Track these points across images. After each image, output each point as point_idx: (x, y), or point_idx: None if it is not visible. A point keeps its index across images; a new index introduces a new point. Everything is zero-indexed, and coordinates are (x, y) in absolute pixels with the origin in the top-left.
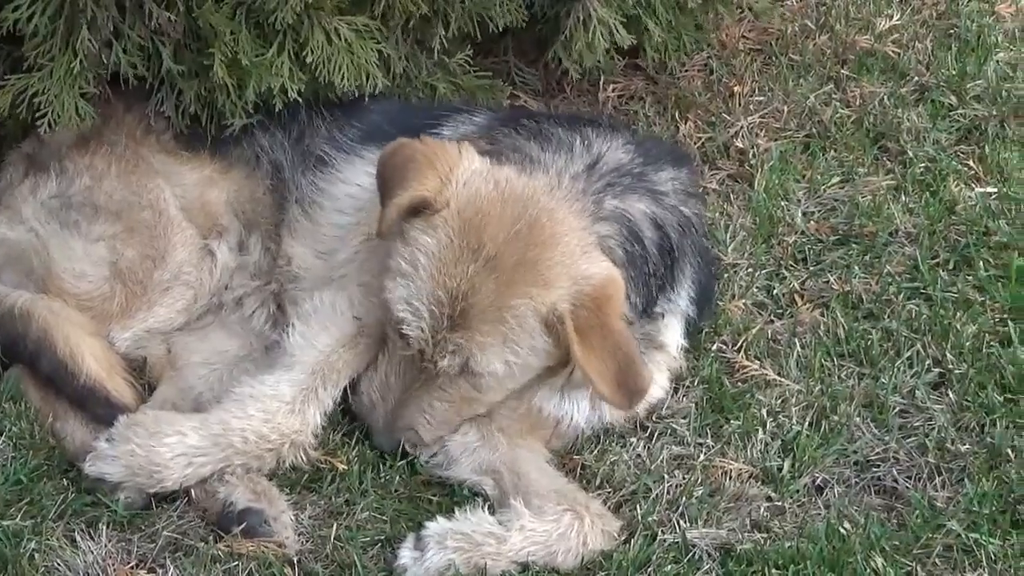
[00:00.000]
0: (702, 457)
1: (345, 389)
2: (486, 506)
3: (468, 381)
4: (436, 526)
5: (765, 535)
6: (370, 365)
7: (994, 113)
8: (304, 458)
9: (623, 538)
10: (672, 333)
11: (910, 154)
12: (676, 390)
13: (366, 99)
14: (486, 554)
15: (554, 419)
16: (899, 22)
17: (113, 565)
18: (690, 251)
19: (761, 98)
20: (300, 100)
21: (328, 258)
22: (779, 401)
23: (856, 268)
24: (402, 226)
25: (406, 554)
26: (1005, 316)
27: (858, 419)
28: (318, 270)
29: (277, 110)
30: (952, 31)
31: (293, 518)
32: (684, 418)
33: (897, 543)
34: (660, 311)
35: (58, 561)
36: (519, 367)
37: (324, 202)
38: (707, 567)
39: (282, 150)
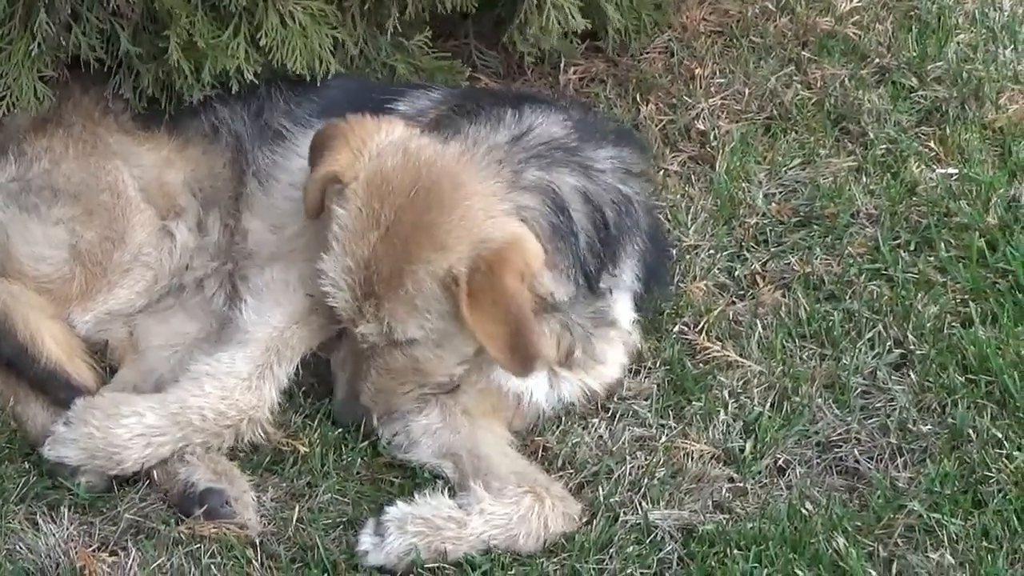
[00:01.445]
0: (664, 438)
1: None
2: (446, 489)
3: (398, 350)
4: (396, 511)
5: (727, 516)
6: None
7: (955, 95)
8: (262, 434)
9: (585, 520)
10: (621, 307)
11: (871, 136)
12: (637, 372)
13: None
14: (447, 538)
15: (515, 396)
16: (860, 4)
17: (75, 548)
18: (632, 229)
19: (722, 80)
20: (256, 81)
21: (280, 232)
22: (741, 382)
23: (817, 249)
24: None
25: (366, 540)
26: (966, 297)
27: (820, 400)
28: (271, 245)
29: (234, 92)
30: (913, 13)
31: (255, 499)
32: (646, 400)
33: (859, 523)
34: (606, 287)
35: (20, 544)
36: (440, 333)
37: (280, 175)
38: (669, 548)
39: (242, 123)
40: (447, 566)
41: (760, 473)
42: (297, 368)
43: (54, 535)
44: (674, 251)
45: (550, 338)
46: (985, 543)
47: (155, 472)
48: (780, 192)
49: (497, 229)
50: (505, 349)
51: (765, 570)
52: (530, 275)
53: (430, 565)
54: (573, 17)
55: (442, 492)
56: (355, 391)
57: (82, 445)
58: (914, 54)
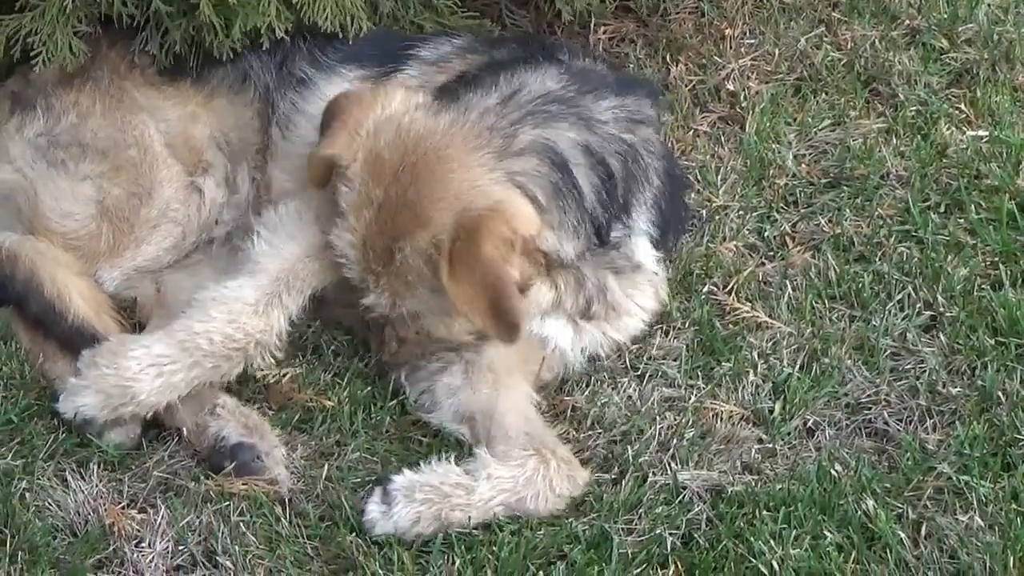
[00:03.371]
0: (693, 399)
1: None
2: (463, 450)
3: (408, 320)
4: (402, 479)
5: (756, 477)
6: None
7: (985, 57)
8: (271, 360)
9: (613, 479)
10: (642, 250)
11: (901, 97)
12: (666, 332)
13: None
14: (455, 505)
15: (540, 343)
16: None
17: (104, 505)
18: (641, 177)
19: (752, 41)
20: (287, 38)
21: (299, 175)
22: (770, 343)
23: (847, 211)
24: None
25: (374, 508)
26: (996, 259)
27: (849, 362)
28: (290, 190)
29: (265, 48)
30: None
31: (285, 454)
32: (675, 360)
33: (888, 485)
34: (620, 236)
35: (49, 501)
36: (440, 304)
37: (301, 120)
38: (698, 509)
39: (269, 73)
40: (474, 529)
41: (789, 434)
42: (324, 326)
43: (83, 492)
44: (691, 193)
45: (565, 293)
46: (1015, 505)
47: (185, 427)
48: (810, 153)
49: (480, 197)
50: (486, 316)
51: (794, 531)
52: (519, 239)
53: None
54: None
55: (449, 460)
56: (381, 340)
57: (95, 388)
58: (945, 15)
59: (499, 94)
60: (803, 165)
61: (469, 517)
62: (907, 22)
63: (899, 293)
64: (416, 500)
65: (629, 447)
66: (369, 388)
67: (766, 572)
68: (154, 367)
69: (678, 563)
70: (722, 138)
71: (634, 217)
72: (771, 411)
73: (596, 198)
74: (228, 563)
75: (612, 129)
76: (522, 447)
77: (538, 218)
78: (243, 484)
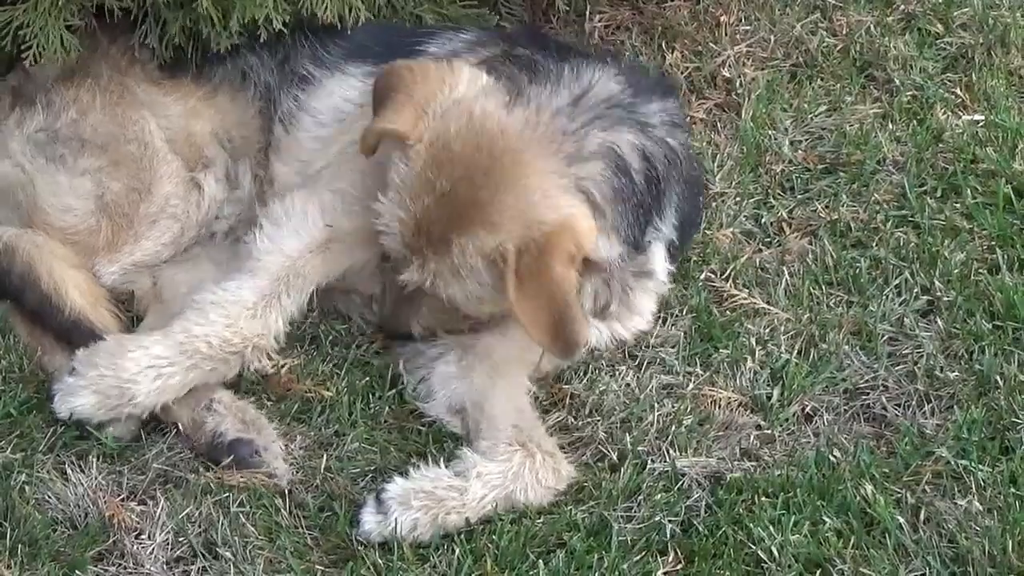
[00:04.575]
0: (691, 386)
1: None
2: (459, 443)
3: (439, 299)
4: (395, 487)
5: (755, 463)
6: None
7: (980, 41)
8: (267, 362)
9: (611, 467)
10: (659, 259)
11: (897, 82)
12: (664, 320)
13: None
14: (451, 508)
15: None
16: None
17: (103, 497)
18: (675, 180)
19: (747, 27)
20: (285, 30)
21: (304, 170)
22: (768, 330)
23: (844, 196)
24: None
25: (369, 518)
26: (993, 243)
27: (847, 347)
28: (295, 184)
29: (263, 40)
30: None
31: (283, 448)
32: (673, 347)
33: (887, 470)
34: (648, 240)
35: (48, 493)
36: (479, 298)
37: (305, 117)
38: (697, 495)
39: (269, 71)
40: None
41: (787, 420)
42: (322, 316)
43: (82, 484)
44: (705, 199)
45: (589, 294)
46: (1013, 489)
47: (182, 423)
48: (806, 139)
49: (551, 210)
50: (548, 334)
51: (793, 517)
52: (582, 251)
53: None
54: None
55: (438, 464)
56: (397, 314)
57: (93, 388)
58: (940, 0)
59: (569, 94)
60: (799, 151)
61: (466, 519)
62: (902, 7)
63: (896, 278)
64: (412, 507)
65: (628, 434)
66: (367, 378)
67: (765, 558)
68: (153, 368)
69: (677, 550)
70: (718, 125)
71: (664, 220)
72: (769, 397)
73: (643, 202)
74: (228, 554)
75: (660, 133)
76: (507, 441)
77: (596, 229)
78: (242, 477)
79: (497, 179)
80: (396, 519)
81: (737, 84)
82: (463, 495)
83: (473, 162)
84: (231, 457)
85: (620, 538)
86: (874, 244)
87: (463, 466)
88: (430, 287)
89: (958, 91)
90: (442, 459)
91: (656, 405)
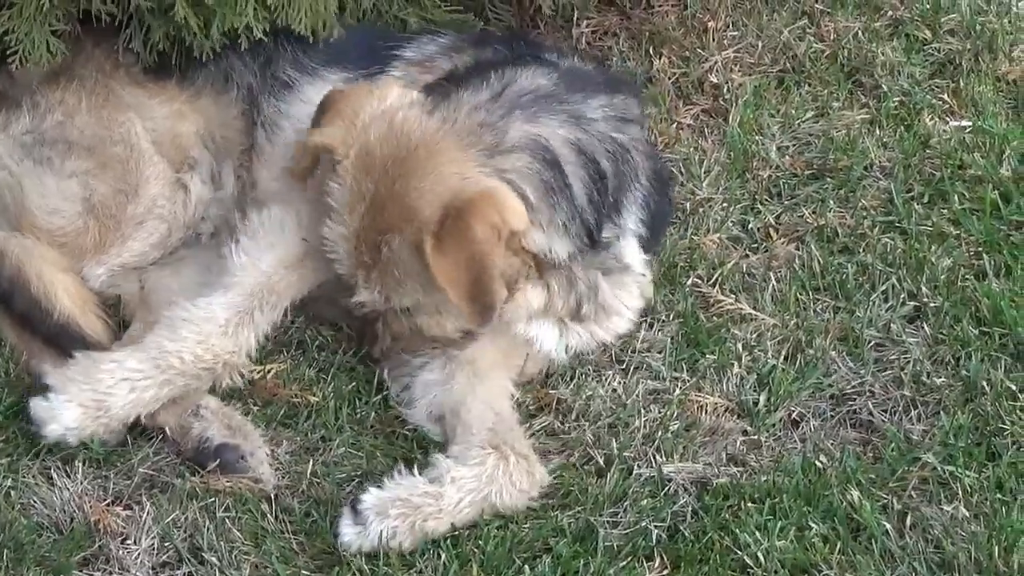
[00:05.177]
0: (678, 391)
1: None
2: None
3: (400, 316)
4: (371, 497)
5: (741, 469)
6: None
7: (968, 47)
8: (239, 379)
9: (597, 472)
10: (630, 251)
11: (884, 88)
12: (651, 325)
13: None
14: (428, 514)
15: (525, 342)
16: None
17: (89, 502)
18: (631, 176)
19: (735, 33)
20: (265, 39)
21: (284, 177)
22: (754, 335)
23: (831, 202)
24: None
25: (348, 530)
26: (979, 249)
27: (833, 353)
28: (275, 193)
29: (244, 48)
30: None
31: (269, 453)
32: (659, 352)
33: (873, 476)
34: (610, 236)
35: (34, 498)
36: (431, 300)
37: (285, 123)
38: (683, 501)
39: (252, 74)
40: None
41: (774, 426)
42: (308, 321)
43: (68, 489)
44: (675, 188)
45: (555, 292)
46: (999, 495)
47: (168, 428)
48: (793, 145)
49: (471, 185)
50: (465, 296)
51: (779, 523)
52: (507, 231)
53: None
54: None
55: (411, 472)
56: (367, 344)
57: (76, 402)
58: (927, 6)
59: (489, 91)
60: (786, 157)
61: (449, 524)
62: (890, 13)
63: (883, 284)
64: (390, 516)
65: (614, 439)
66: (354, 383)
67: (751, 564)
68: (127, 381)
69: (663, 555)
70: (705, 130)
71: (624, 217)
72: (756, 403)
73: (587, 198)
74: (214, 559)
75: (603, 128)
76: (480, 445)
77: (527, 215)
78: (227, 481)
79: (411, 170)
80: (374, 528)
81: (724, 90)
82: (439, 500)
83: (391, 161)
84: (217, 462)
85: (606, 543)
86: (861, 250)
87: (437, 472)
88: (383, 302)
89: (945, 97)
90: (427, 464)
91: (642, 410)
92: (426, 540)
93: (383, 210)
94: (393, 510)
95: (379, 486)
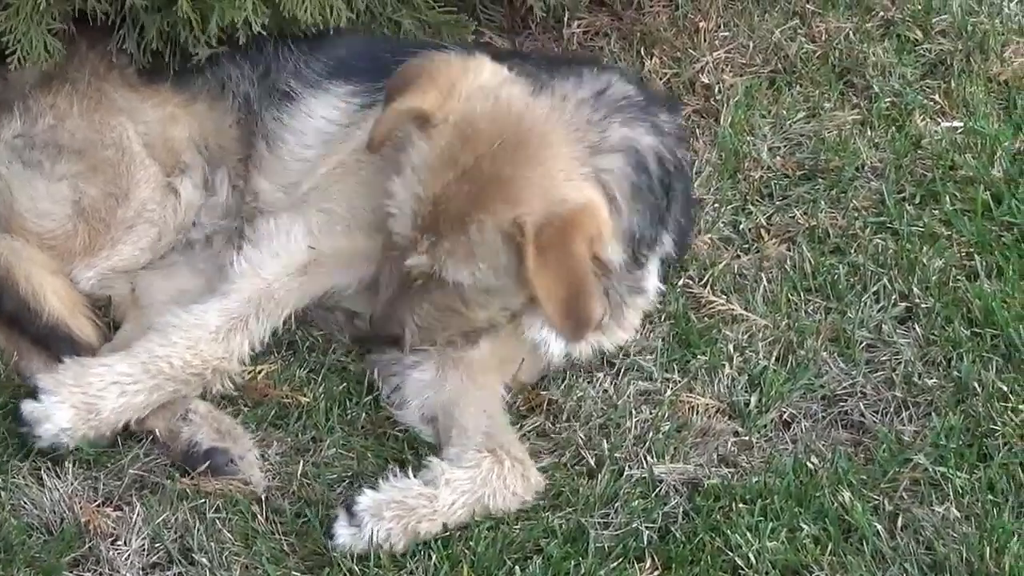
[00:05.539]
0: (669, 392)
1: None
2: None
3: (443, 290)
4: (366, 499)
5: (732, 470)
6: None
7: (960, 48)
8: (230, 385)
9: (588, 473)
10: (653, 277)
11: (876, 89)
12: (642, 326)
13: (331, 33)
14: (422, 516)
15: (531, 347)
16: None
17: (79, 503)
18: (679, 192)
19: (726, 33)
20: (264, 33)
21: (291, 191)
22: (746, 336)
23: (822, 203)
24: (406, 131)
25: (343, 532)
26: (971, 250)
27: (825, 354)
28: (281, 204)
29: (242, 43)
30: None
31: (259, 456)
32: (651, 354)
33: (864, 477)
34: (647, 254)
35: (24, 499)
36: (489, 284)
37: (288, 136)
38: (674, 502)
39: (250, 83)
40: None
41: (765, 427)
42: (298, 322)
43: (58, 490)
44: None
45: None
46: (991, 496)
47: (158, 430)
48: (785, 146)
49: (574, 191)
50: (561, 310)
51: (770, 524)
52: (600, 243)
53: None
54: None
55: (406, 475)
56: (391, 313)
57: (69, 404)
58: (919, 7)
59: (591, 88)
60: (778, 157)
61: (442, 525)
62: (881, 14)
63: (874, 285)
64: (384, 518)
65: (605, 441)
66: (344, 384)
67: (743, 565)
68: (117, 385)
69: (654, 556)
70: (697, 131)
71: (668, 230)
72: (747, 404)
73: (658, 203)
74: (204, 560)
75: (671, 142)
76: (476, 448)
77: (611, 223)
78: (218, 483)
79: (522, 156)
80: (369, 530)
81: (716, 90)
82: (433, 502)
83: (498, 139)
84: (207, 465)
85: (597, 544)
86: (852, 250)
87: (431, 474)
88: (438, 271)
89: (937, 98)
90: (419, 466)
91: (634, 411)
92: (418, 541)
93: (482, 187)
94: (388, 512)
95: (374, 488)
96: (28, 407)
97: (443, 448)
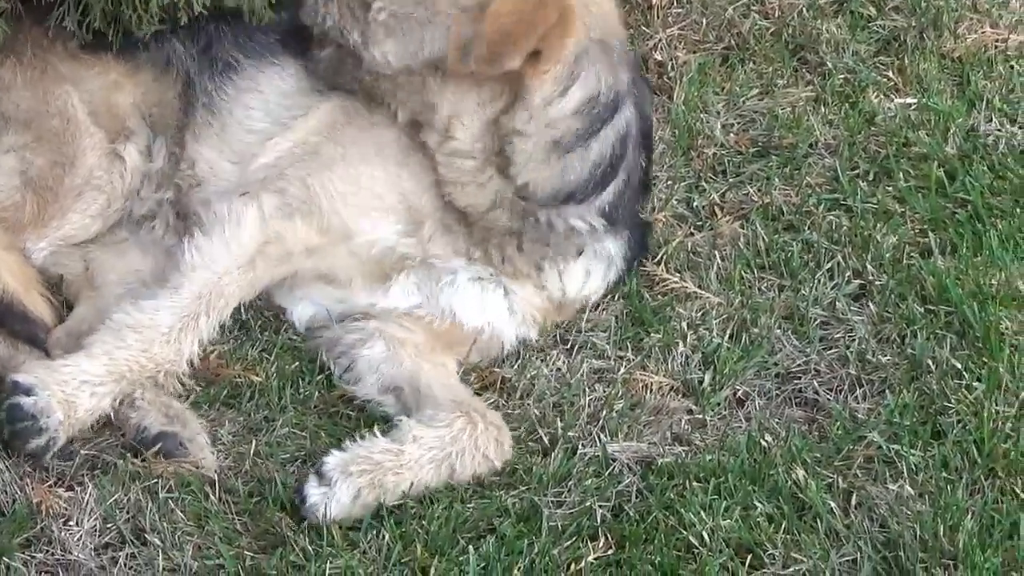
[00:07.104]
0: (622, 371)
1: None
2: (389, 425)
3: None
4: (334, 459)
5: (686, 448)
6: None
7: (913, 24)
8: (179, 385)
9: (542, 451)
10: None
11: (829, 65)
12: (596, 304)
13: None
14: (388, 470)
15: (473, 331)
16: None
17: (31, 484)
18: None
19: (679, 10)
20: (205, 13)
21: (244, 164)
22: (699, 314)
23: (776, 180)
24: None
25: (313, 491)
26: (925, 227)
27: (779, 331)
28: (230, 175)
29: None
30: None
31: (209, 439)
32: (604, 331)
33: (818, 455)
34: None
35: None
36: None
37: (235, 108)
38: (628, 480)
39: (191, 57)
40: (410, 501)
41: (719, 405)
42: (250, 303)
43: (9, 471)
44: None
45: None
46: (944, 474)
47: (112, 414)
48: (738, 123)
49: None
50: (493, 37)
51: (724, 502)
52: (558, 36)
53: (394, 502)
54: None
55: (373, 433)
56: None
57: (56, 400)
58: None
59: None
60: (731, 135)
61: (409, 482)
62: None
63: (828, 262)
64: (352, 474)
65: (559, 419)
66: (297, 363)
67: (696, 543)
68: (87, 384)
69: (608, 535)
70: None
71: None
72: (701, 382)
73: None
74: (157, 540)
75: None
76: (449, 410)
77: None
78: (170, 465)
79: None
80: (340, 488)
81: (669, 67)
82: (399, 456)
83: None
84: (157, 448)
85: (550, 523)
86: (806, 228)
87: (399, 433)
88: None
89: (890, 74)
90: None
91: (587, 389)
92: (388, 497)
93: None
94: (354, 467)
95: (341, 448)
96: (27, 401)
97: (414, 412)
